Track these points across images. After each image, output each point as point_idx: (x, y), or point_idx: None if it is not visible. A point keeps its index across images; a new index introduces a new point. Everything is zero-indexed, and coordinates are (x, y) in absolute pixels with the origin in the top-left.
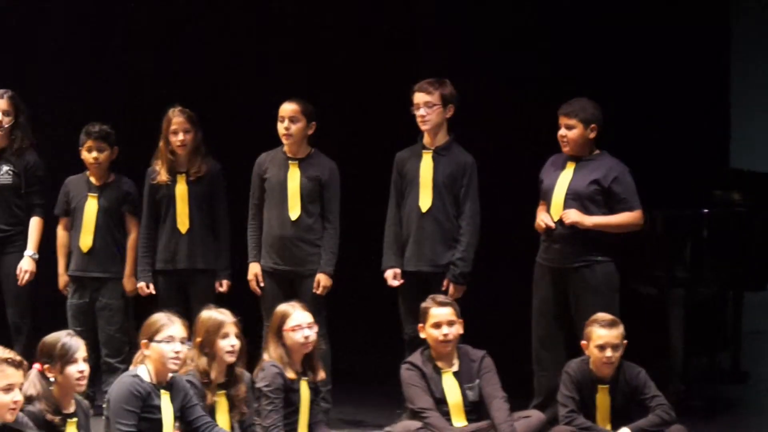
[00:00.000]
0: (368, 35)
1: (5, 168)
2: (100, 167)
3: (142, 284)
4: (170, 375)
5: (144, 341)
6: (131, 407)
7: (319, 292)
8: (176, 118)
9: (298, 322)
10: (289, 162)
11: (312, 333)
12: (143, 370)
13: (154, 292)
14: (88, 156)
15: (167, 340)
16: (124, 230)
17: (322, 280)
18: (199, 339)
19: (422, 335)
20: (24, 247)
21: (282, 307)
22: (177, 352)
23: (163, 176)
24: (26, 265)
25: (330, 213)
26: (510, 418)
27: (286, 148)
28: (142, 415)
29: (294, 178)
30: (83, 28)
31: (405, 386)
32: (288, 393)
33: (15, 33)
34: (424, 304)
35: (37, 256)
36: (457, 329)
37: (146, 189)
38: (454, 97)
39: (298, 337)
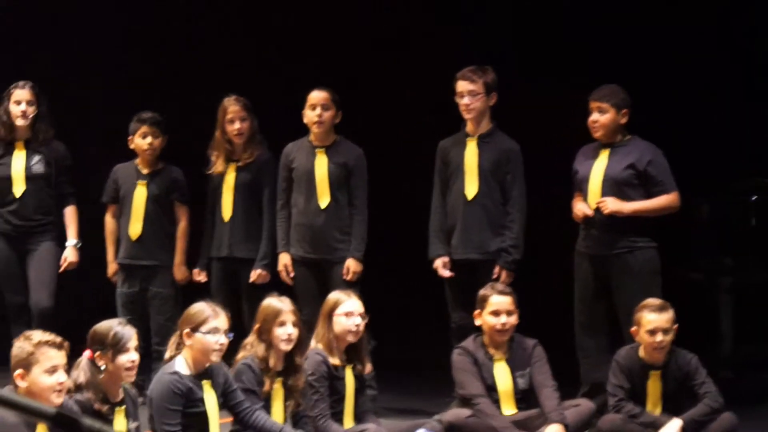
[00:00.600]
0: (409, 20)
1: (36, 158)
2: (153, 153)
3: (196, 270)
4: (208, 364)
5: (186, 331)
6: (174, 406)
7: (349, 278)
8: (232, 106)
9: (350, 309)
10: (316, 150)
11: (362, 322)
12: (181, 362)
13: (205, 279)
14: (142, 142)
15: (212, 332)
16: (173, 218)
17: (351, 266)
18: (257, 326)
19: (477, 322)
20: (55, 236)
21: (336, 294)
22: (221, 345)
23: (219, 166)
24: (70, 255)
25: (357, 199)
26: (560, 406)
27: (312, 137)
28: (186, 410)
29: (321, 165)
30: (123, 15)
31: (456, 371)
32: (333, 381)
33: (59, 21)
34: (483, 291)
35: (80, 245)
36: (515, 319)
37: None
38: (497, 84)
39: (348, 323)
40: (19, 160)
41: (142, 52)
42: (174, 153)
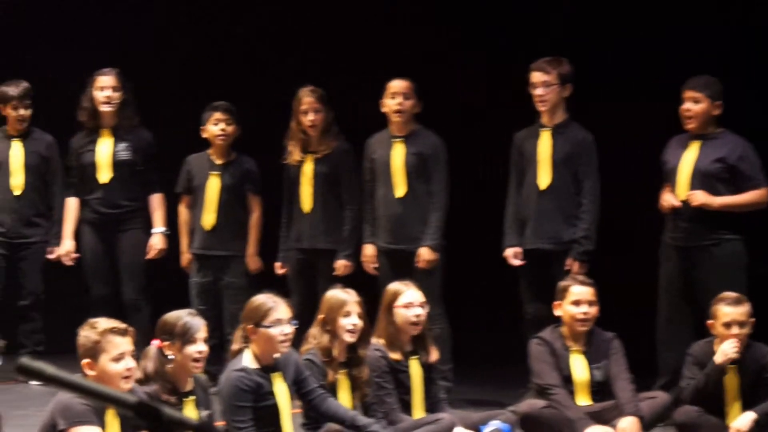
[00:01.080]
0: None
1: (122, 145)
2: (226, 141)
3: (277, 264)
4: (276, 355)
5: (249, 326)
6: (243, 403)
7: (421, 265)
8: (306, 98)
9: (410, 300)
10: (393, 140)
11: (423, 312)
12: (248, 356)
13: (285, 271)
14: (214, 129)
15: (275, 324)
16: (246, 209)
17: (423, 254)
18: (322, 316)
19: (557, 312)
20: (141, 223)
21: (394, 285)
22: (286, 334)
23: (295, 156)
24: (157, 242)
25: (435, 187)
26: (635, 398)
27: (392, 126)
28: (257, 405)
29: (398, 155)
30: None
31: (533, 361)
32: (396, 374)
33: (138, 9)
34: (563, 282)
35: (168, 232)
36: (596, 310)
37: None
38: (572, 75)
39: (409, 315)
40: (104, 147)
41: (217, 41)
42: (247, 144)
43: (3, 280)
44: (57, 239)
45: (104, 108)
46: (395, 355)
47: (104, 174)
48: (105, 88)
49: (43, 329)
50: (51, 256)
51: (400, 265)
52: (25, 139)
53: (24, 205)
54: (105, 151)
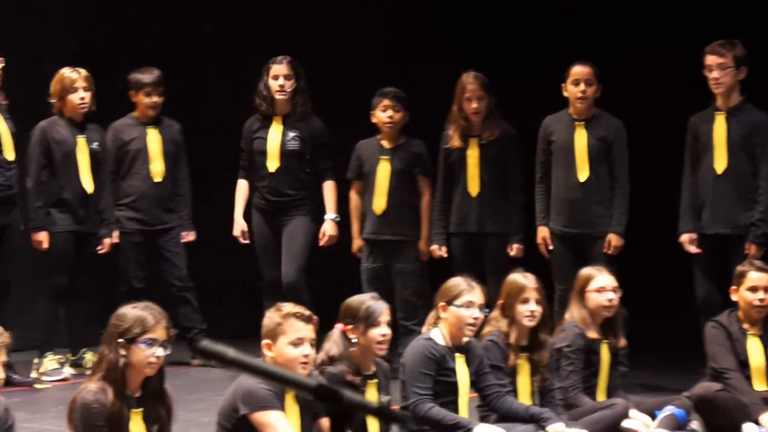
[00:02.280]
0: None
1: (291, 134)
2: (395, 127)
3: (434, 247)
4: (465, 339)
5: (442, 304)
6: (427, 370)
7: (610, 252)
8: (470, 84)
9: (603, 284)
10: (576, 123)
11: (616, 297)
12: (437, 333)
13: (446, 255)
14: (383, 116)
15: (466, 306)
16: (417, 192)
17: (613, 240)
18: (501, 301)
19: (734, 297)
20: (309, 210)
21: (587, 270)
22: (475, 318)
23: (456, 141)
24: (329, 229)
25: (618, 172)
26: None
27: (572, 110)
28: (438, 378)
29: (581, 139)
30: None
31: (709, 344)
32: (589, 354)
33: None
34: (740, 267)
35: (339, 219)
36: None
37: (441, 153)
38: (747, 57)
39: (601, 299)
40: (275, 136)
41: (381, 29)
42: (416, 127)
43: (147, 268)
44: (190, 224)
45: (278, 96)
46: (592, 335)
47: (272, 163)
48: (278, 77)
49: (199, 309)
50: (189, 239)
51: (575, 250)
52: (158, 126)
53: (163, 192)
54: (274, 140)
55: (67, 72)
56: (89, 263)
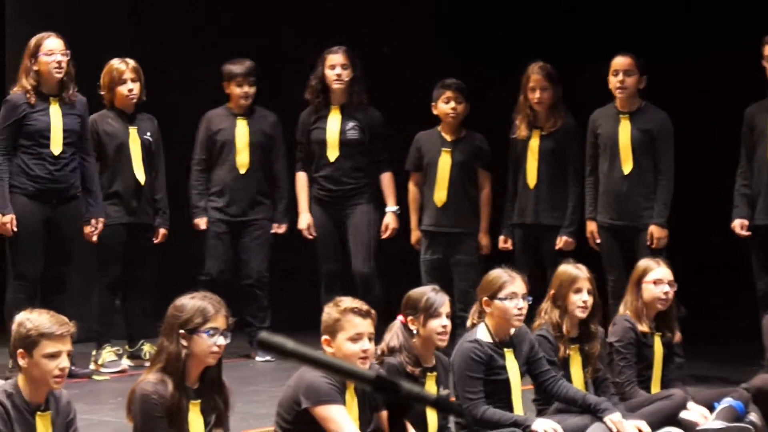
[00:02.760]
0: None
1: (351, 123)
2: (457, 119)
3: (501, 237)
4: (513, 331)
5: (485, 299)
6: (475, 374)
7: (653, 245)
8: (534, 75)
9: (660, 276)
10: (620, 116)
11: (671, 290)
12: (482, 330)
13: (511, 248)
14: (445, 107)
15: (510, 297)
16: (477, 185)
17: (654, 232)
18: (552, 291)
19: None
20: (369, 199)
21: (645, 261)
22: (520, 309)
23: (522, 131)
24: (391, 221)
25: (662, 164)
26: None
27: (617, 102)
28: (488, 378)
29: (625, 131)
30: None
31: (766, 337)
32: (641, 348)
33: None
34: None
35: (399, 211)
36: None
37: (510, 143)
38: None
39: (657, 291)
40: (334, 125)
41: (450, 19)
42: (476, 120)
43: (227, 258)
44: (283, 216)
45: (335, 86)
46: (643, 329)
47: (332, 152)
48: (335, 66)
49: (269, 307)
50: (279, 231)
51: (623, 242)
52: (249, 117)
53: (249, 184)
54: (333, 130)
55: (115, 63)
56: (145, 255)
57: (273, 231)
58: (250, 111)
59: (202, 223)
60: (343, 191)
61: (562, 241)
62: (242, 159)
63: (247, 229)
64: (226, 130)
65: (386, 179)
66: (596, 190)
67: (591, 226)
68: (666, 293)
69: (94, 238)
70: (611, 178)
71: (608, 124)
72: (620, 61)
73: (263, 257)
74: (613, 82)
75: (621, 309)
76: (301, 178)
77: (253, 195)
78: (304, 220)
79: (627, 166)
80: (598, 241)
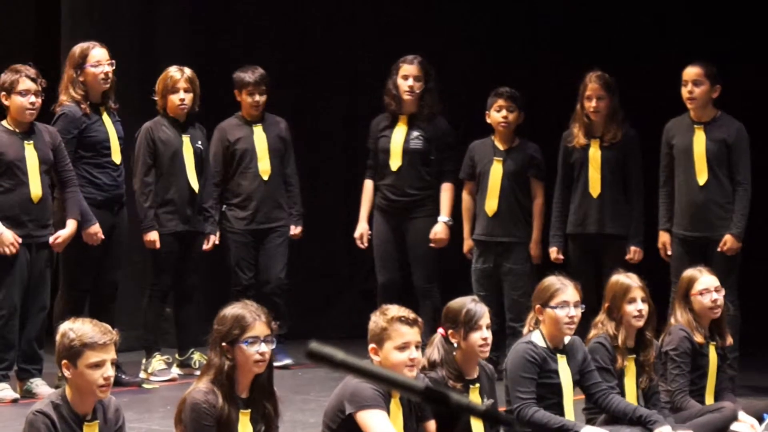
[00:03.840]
0: None
1: (415, 133)
2: (509, 128)
3: (553, 248)
4: (567, 339)
5: (537, 306)
6: (528, 374)
7: (728, 253)
8: (591, 84)
9: (706, 285)
10: (695, 126)
11: (719, 297)
12: (537, 335)
13: (562, 259)
14: (497, 116)
15: (561, 306)
16: (530, 195)
17: (728, 242)
18: (607, 304)
19: None
20: (432, 212)
21: (689, 272)
22: (571, 317)
23: (580, 139)
24: (440, 231)
25: (739, 174)
26: None
27: (691, 113)
28: (540, 380)
29: (699, 142)
30: None
31: None
32: (696, 357)
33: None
34: None
35: (451, 222)
36: None
37: (561, 152)
38: None
39: (705, 300)
40: (398, 135)
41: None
42: (531, 129)
43: (254, 266)
44: (298, 219)
45: (405, 96)
46: (699, 338)
47: (395, 161)
48: (408, 77)
49: (285, 315)
50: (295, 232)
51: (696, 252)
52: (263, 124)
53: (272, 190)
54: (398, 139)
55: (172, 71)
56: (196, 262)
57: (290, 234)
58: (263, 118)
59: (216, 238)
60: (404, 202)
61: (632, 252)
62: (264, 165)
63: (270, 235)
64: (244, 139)
65: (446, 189)
66: (670, 200)
67: (663, 237)
68: (714, 301)
69: (158, 245)
70: (687, 189)
71: (682, 135)
72: (689, 71)
73: (283, 263)
74: (684, 92)
75: (672, 321)
76: (367, 186)
77: (276, 201)
78: (360, 229)
79: (702, 177)
80: (669, 252)
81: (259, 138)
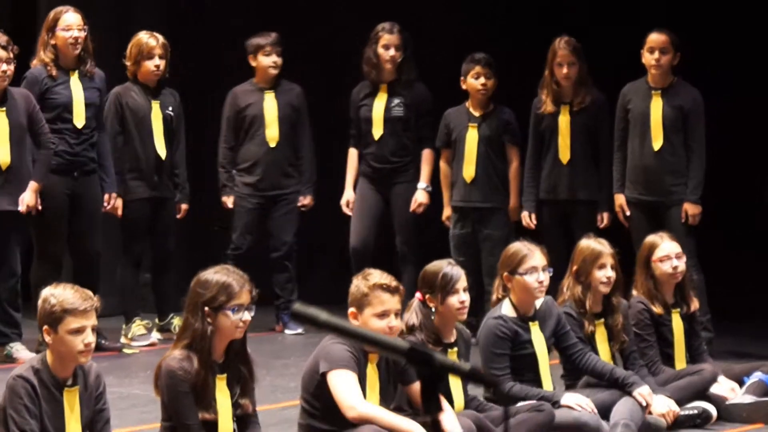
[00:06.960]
0: None
1: (396, 101)
2: (487, 94)
3: (525, 214)
4: (538, 303)
5: (505, 274)
6: (501, 350)
7: (689, 221)
8: (561, 50)
9: (666, 252)
10: (653, 92)
11: (680, 263)
12: (507, 305)
13: (534, 224)
14: (475, 83)
15: (530, 271)
16: (506, 160)
17: (689, 209)
18: (575, 267)
19: None
20: (414, 177)
21: (650, 238)
22: (540, 282)
23: (548, 106)
24: (420, 197)
25: (694, 141)
26: None
27: (649, 78)
28: (514, 353)
29: (657, 108)
30: None
31: None
32: (659, 327)
33: None
34: None
35: (430, 188)
36: None
37: (532, 119)
38: None
39: (666, 267)
40: (379, 103)
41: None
42: (503, 94)
43: (257, 233)
44: (309, 189)
45: (387, 66)
46: (657, 309)
47: (377, 130)
48: (389, 47)
49: (296, 279)
50: (305, 202)
51: (651, 218)
52: (276, 91)
53: (279, 157)
54: (379, 108)
55: (144, 37)
56: (168, 229)
57: (299, 204)
58: (276, 84)
59: (229, 201)
60: (387, 169)
61: (604, 218)
62: (272, 133)
63: (278, 203)
64: (255, 105)
65: (426, 155)
66: (624, 165)
67: (620, 200)
68: (675, 268)
69: (120, 212)
70: (641, 153)
71: (639, 100)
72: (657, 38)
73: (292, 230)
74: (649, 59)
75: (633, 291)
76: (352, 155)
77: (283, 168)
78: (346, 196)
79: (657, 143)
80: (628, 213)
81: (269, 105)
